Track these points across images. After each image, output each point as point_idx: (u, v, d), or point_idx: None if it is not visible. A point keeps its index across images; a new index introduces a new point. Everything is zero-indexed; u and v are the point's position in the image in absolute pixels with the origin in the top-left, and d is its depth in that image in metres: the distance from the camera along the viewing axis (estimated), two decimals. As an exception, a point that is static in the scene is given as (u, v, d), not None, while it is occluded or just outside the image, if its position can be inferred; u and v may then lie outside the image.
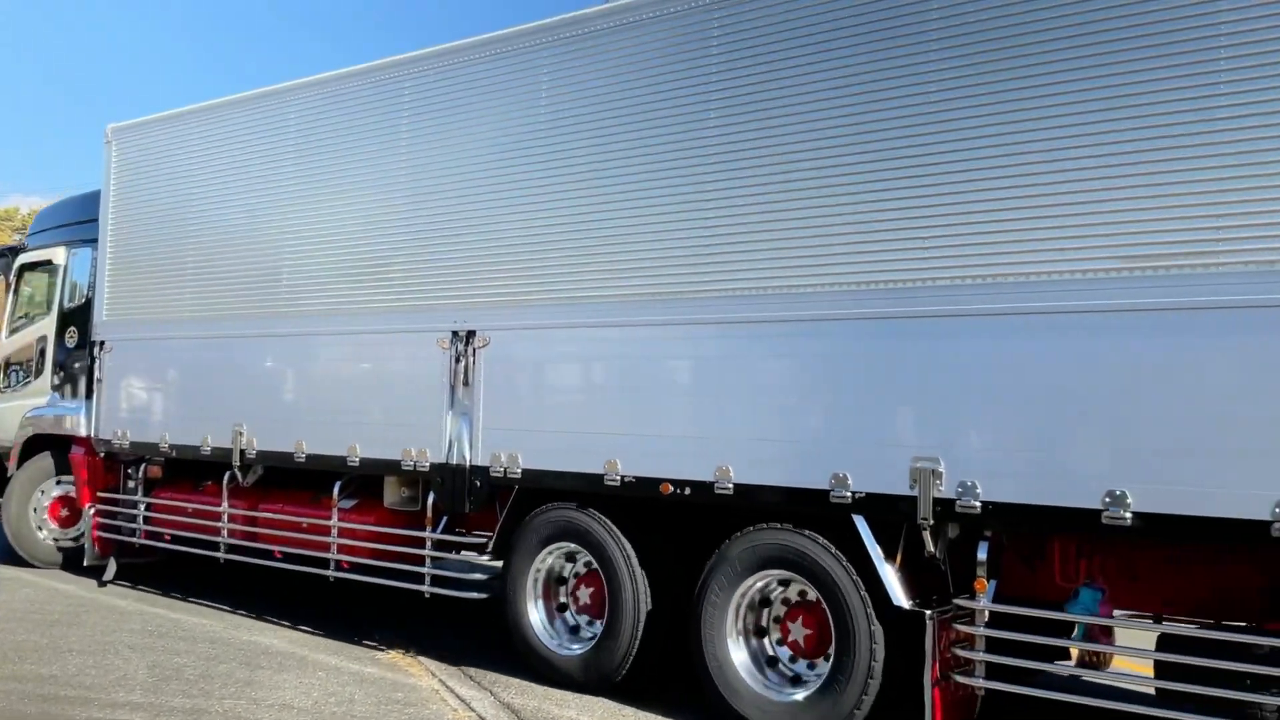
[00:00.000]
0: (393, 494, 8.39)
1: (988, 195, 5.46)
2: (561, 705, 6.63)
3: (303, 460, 8.52)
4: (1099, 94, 5.16)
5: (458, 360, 7.61)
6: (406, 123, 8.08)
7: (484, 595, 7.66)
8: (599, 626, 6.95)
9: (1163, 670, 5.22)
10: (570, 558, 7.29)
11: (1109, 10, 5.17)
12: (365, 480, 8.51)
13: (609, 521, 6.84)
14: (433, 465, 7.71)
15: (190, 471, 9.89)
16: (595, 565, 6.98)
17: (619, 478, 6.67)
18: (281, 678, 7.03)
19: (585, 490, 6.90)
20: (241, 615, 9.08)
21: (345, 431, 8.24)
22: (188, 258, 9.61)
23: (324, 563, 8.52)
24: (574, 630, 7.27)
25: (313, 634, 8.45)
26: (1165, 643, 5.31)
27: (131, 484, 10.20)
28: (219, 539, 9.33)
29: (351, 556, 8.40)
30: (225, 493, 9.28)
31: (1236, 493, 4.75)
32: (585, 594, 7.18)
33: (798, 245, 6.10)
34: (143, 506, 10.05)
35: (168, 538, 9.87)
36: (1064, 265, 5.22)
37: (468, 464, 7.53)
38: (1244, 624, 5.40)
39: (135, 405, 10.05)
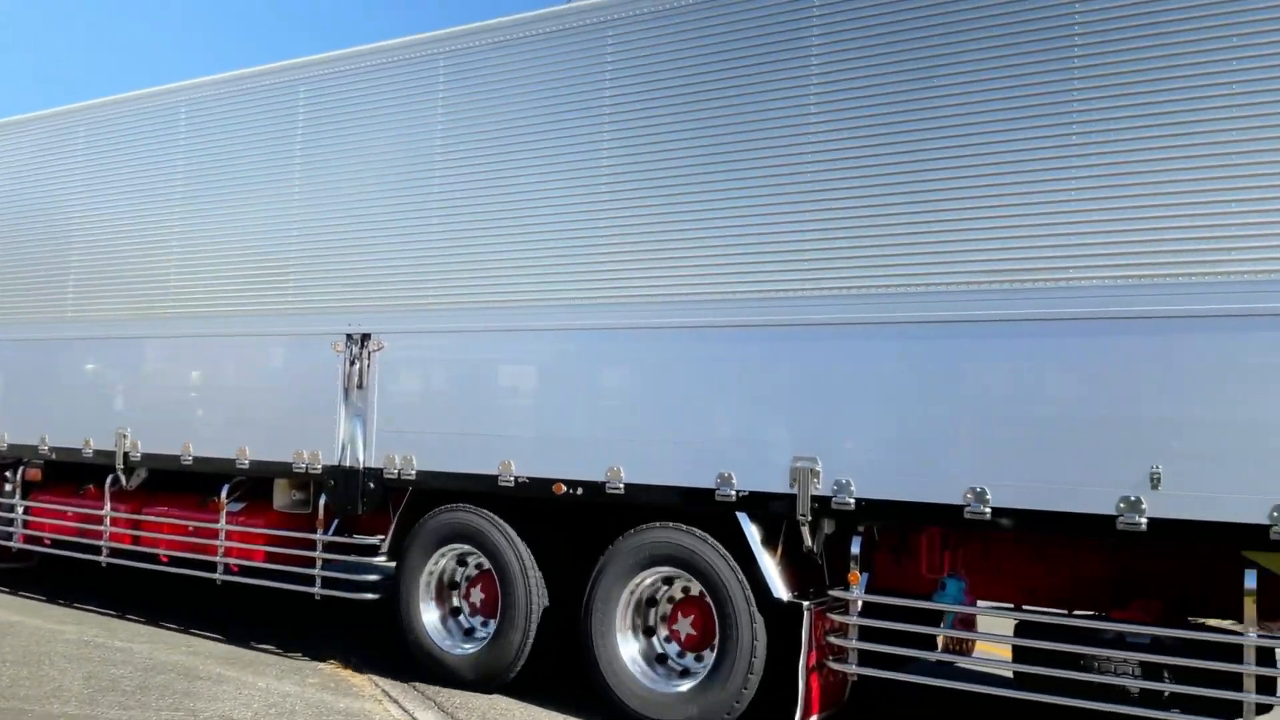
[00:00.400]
0: (283, 496, 8.41)
1: (867, 212, 5.82)
2: (506, 715, 6.68)
3: (190, 463, 8.47)
4: (974, 120, 5.56)
5: (352, 363, 7.69)
6: (302, 126, 8.13)
7: (376, 596, 7.73)
8: (491, 626, 7.10)
9: (1020, 655, 5.63)
10: (464, 559, 7.42)
11: (974, 38, 5.59)
12: (255, 483, 8.50)
13: (503, 522, 7.01)
14: (325, 467, 7.76)
15: (72, 474, 9.71)
16: (489, 565, 7.13)
17: (513, 478, 6.85)
18: (220, 689, 6.95)
19: (479, 491, 7.05)
20: (177, 629, 8.83)
21: (235, 434, 8.24)
22: (71, 258, 9.45)
23: (211, 566, 8.48)
24: (467, 630, 7.40)
25: (250, 646, 8.28)
26: (1023, 629, 5.71)
27: (9, 487, 9.97)
28: (101, 543, 9.19)
29: (240, 560, 8.39)
30: (108, 496, 9.15)
31: (1086, 489, 5.18)
32: (478, 594, 7.32)
33: (685, 254, 6.39)
34: (21, 510, 9.83)
35: (47, 542, 9.68)
36: (934, 278, 5.61)
37: (361, 466, 7.61)
38: (1093, 612, 5.86)
39: (13, 407, 9.82)
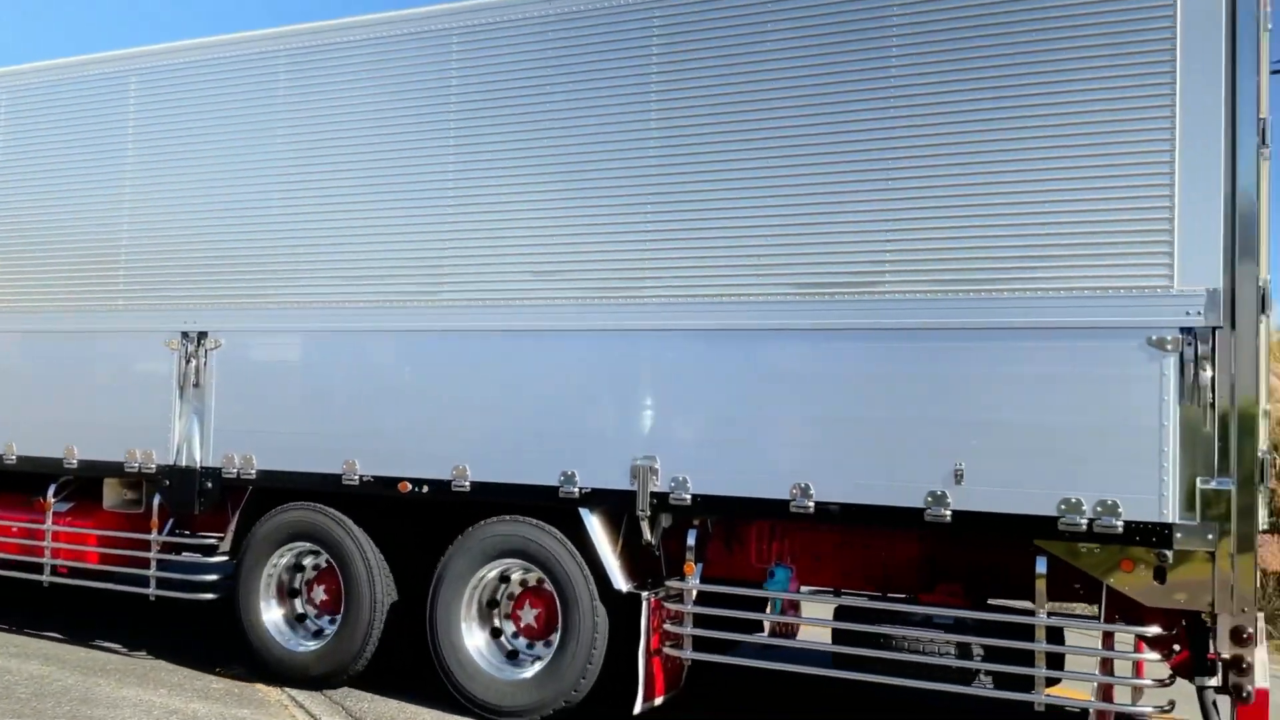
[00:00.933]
0: (114, 496, 8.22)
1: (696, 223, 6.16)
2: (416, 716, 6.68)
3: (13, 462, 8.21)
4: (794, 143, 5.97)
5: (188, 361, 7.59)
6: (133, 117, 7.94)
7: (214, 596, 7.66)
8: (335, 623, 7.16)
9: (839, 637, 6.10)
10: (307, 556, 7.43)
11: (788, 66, 5.99)
12: (85, 483, 8.28)
13: (347, 519, 7.07)
14: (159, 467, 7.65)
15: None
16: (332, 562, 7.18)
17: (358, 477, 6.93)
18: (119, 696, 6.76)
19: (324, 490, 7.10)
20: (70, 639, 8.44)
21: (63, 432, 8.01)
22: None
23: (38, 568, 8.24)
24: (309, 628, 7.43)
25: (147, 656, 7.98)
26: (842, 613, 6.17)
27: None
28: (-88, 546, 8.77)
29: (70, 561, 8.18)
30: (-81, 497, 8.74)
31: (898, 485, 5.64)
32: (321, 592, 7.36)
33: (527, 259, 6.61)
34: None
35: None
36: (756, 288, 6.00)
37: (198, 465, 7.54)
38: (904, 595, 6.37)
39: None
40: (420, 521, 7.13)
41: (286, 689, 7.17)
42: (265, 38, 7.56)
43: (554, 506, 6.42)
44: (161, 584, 7.76)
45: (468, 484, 6.60)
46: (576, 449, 6.37)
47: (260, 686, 7.25)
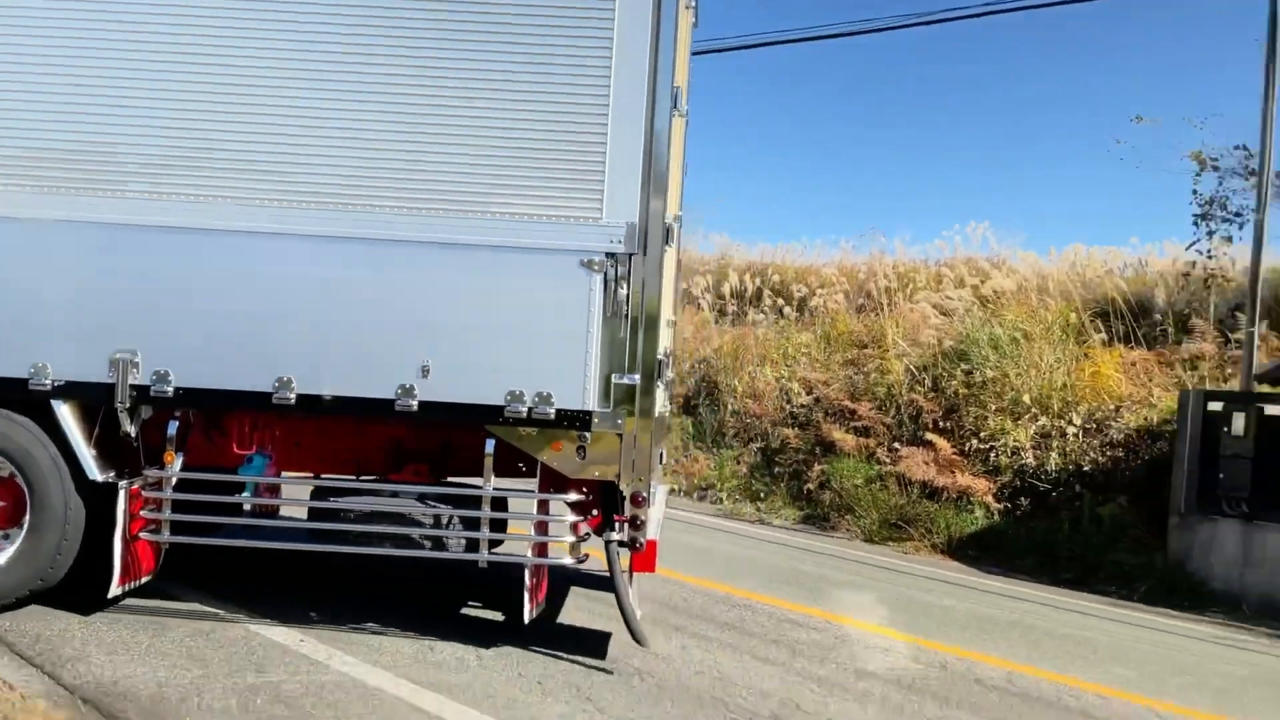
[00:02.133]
0: None
1: (183, 122, 6.34)
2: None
3: None
4: (275, 66, 6.34)
5: None
6: None
7: None
8: None
9: (315, 514, 6.74)
10: None
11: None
12: None
13: None
14: None
15: None
16: None
17: None
18: None
19: None
20: None
21: None
22: None
23: None
24: None
25: None
26: (318, 493, 6.81)
27: None
28: None
29: None
30: None
31: (373, 378, 6.34)
32: None
33: (91, 152, 6.39)
34: None
35: None
36: (242, 192, 6.32)
37: None
38: (375, 476, 7.14)
39: None
40: None
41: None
42: None
43: (26, 398, 6.36)
44: None
45: (-89, 373, 6.32)
46: (49, 341, 6.34)
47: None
